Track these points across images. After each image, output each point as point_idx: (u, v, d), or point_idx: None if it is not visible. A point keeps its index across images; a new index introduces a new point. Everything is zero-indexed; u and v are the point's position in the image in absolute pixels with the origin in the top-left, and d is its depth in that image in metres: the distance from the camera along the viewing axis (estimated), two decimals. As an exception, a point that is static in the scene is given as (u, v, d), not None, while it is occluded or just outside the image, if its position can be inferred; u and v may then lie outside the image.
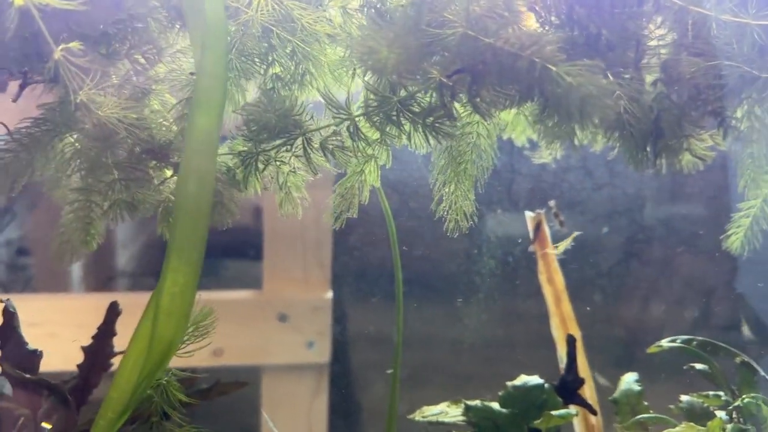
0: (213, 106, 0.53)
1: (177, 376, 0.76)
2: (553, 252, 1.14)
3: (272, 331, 1.85)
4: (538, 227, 1.16)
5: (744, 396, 0.83)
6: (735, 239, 0.89)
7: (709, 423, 0.75)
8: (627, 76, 0.75)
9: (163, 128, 0.74)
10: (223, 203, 0.72)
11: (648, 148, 0.83)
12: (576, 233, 1.08)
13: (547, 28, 0.74)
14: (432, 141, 0.66)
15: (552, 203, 1.18)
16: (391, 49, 0.58)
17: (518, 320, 1.44)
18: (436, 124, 0.64)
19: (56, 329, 1.73)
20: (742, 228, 0.88)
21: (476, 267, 1.38)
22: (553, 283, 1.13)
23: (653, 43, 0.83)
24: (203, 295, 2.02)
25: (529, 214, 1.16)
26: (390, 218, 1.06)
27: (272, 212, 1.93)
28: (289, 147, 0.73)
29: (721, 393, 0.90)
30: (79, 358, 0.98)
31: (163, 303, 0.53)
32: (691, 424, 0.81)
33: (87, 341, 0.94)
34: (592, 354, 1.12)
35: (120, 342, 0.92)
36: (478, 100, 0.62)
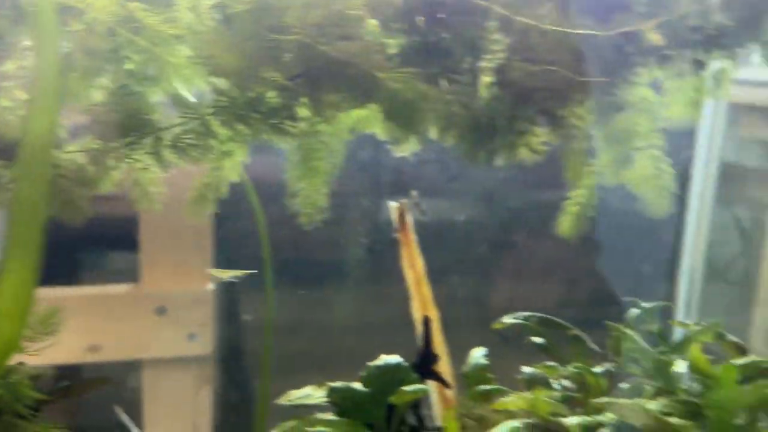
0: (47, 106, 0.54)
1: (30, 375, 0.76)
2: (414, 239, 1.20)
3: (151, 324, 1.82)
4: (401, 216, 1.22)
5: (569, 366, 0.93)
6: (566, 224, 0.99)
7: (536, 392, 0.84)
8: (464, 79, 0.82)
9: (11, 126, 0.74)
10: (73, 201, 0.72)
11: (485, 145, 0.91)
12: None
13: (389, 35, 0.80)
14: (276, 140, 0.70)
15: (414, 193, 1.24)
16: (230, 53, 0.61)
17: (385, 304, 1.51)
18: (280, 125, 0.68)
19: None
20: (571, 214, 0.98)
21: (346, 255, 1.44)
22: (414, 268, 1.20)
23: (493, 47, 0.91)
24: (78, 291, 1.96)
25: (392, 204, 1.22)
26: (258, 210, 1.10)
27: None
28: (139, 145, 0.74)
29: (556, 364, 1.01)
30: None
31: (1, 305, 0.54)
32: (521, 393, 0.90)
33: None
34: (452, 332, 1.20)
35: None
36: (318, 103, 0.66)
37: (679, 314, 1.66)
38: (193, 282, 1.87)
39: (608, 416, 0.78)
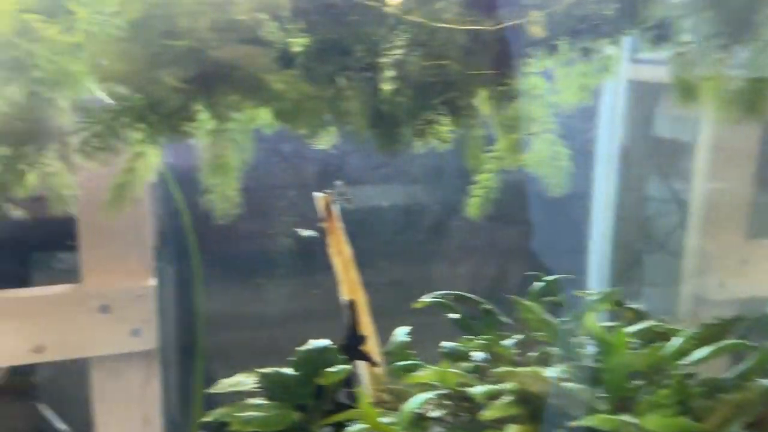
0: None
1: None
2: (340, 227, 1.25)
3: (95, 322, 1.83)
4: (327, 206, 1.27)
5: (480, 337, 0.99)
6: (473, 206, 1.05)
7: (443, 364, 0.90)
8: (362, 76, 0.87)
9: None
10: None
11: (392, 136, 0.96)
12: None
13: (289, 35, 0.84)
14: (178, 139, 0.73)
15: (338, 183, 1.29)
16: (121, 60, 0.64)
17: (315, 291, 1.56)
18: (178, 125, 0.71)
19: None
20: (477, 197, 1.04)
21: (274, 245, 1.48)
22: (341, 255, 1.25)
23: (398, 42, 0.95)
24: (21, 292, 1.96)
25: (317, 195, 1.26)
26: (182, 206, 1.12)
27: (87, 203, 1.89)
28: (47, 150, 0.77)
29: (473, 337, 1.07)
30: None
31: None
32: (434, 366, 0.95)
33: None
34: (381, 315, 1.25)
35: None
36: (213, 104, 0.70)
37: (593, 285, 1.75)
38: (135, 278, 1.89)
39: (510, 385, 0.84)
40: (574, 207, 1.68)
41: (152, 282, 1.87)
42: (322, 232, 1.25)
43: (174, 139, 0.73)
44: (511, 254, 1.68)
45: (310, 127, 0.73)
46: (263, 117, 0.95)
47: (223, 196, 0.88)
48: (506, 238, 1.62)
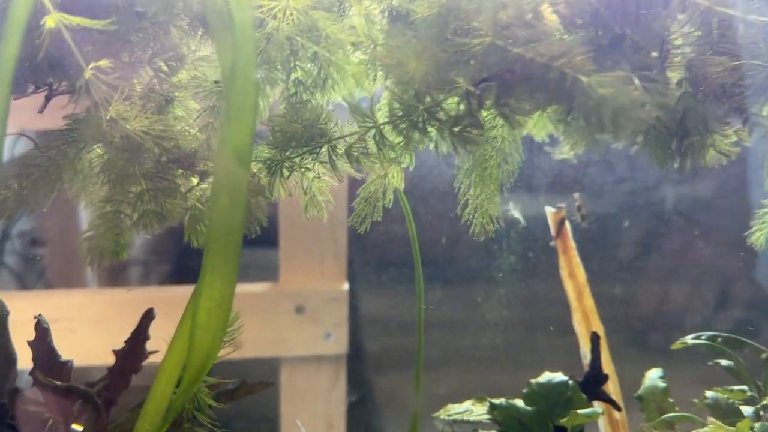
0: (245, 119, 0.53)
1: (206, 382, 0.76)
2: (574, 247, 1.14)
3: (289, 323, 1.86)
4: (561, 222, 1.16)
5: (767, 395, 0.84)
6: (759, 234, 0.89)
7: (738, 424, 0.75)
8: (652, 77, 0.75)
9: (189, 136, 0.75)
10: (251, 211, 0.72)
11: (672, 147, 0.83)
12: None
13: (570, 30, 0.74)
14: (459, 149, 0.66)
15: (576, 196, 1.17)
16: (420, 60, 0.58)
17: (540, 317, 1.44)
18: (464, 133, 0.64)
19: (74, 325, 1.75)
20: (767, 224, 0.88)
21: (496, 262, 1.39)
22: (574, 278, 1.13)
23: (678, 41, 0.82)
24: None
25: (549, 210, 1.16)
26: (410, 217, 1.06)
27: (287, 205, 1.93)
28: (314, 154, 0.73)
29: (745, 387, 0.91)
30: (98, 352, 1.00)
31: (199, 318, 0.54)
32: (719, 423, 0.81)
33: (107, 338, 0.95)
34: (613, 347, 1.12)
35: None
36: (505, 108, 0.62)
37: None
38: (329, 281, 1.90)
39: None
40: None
41: (346, 287, 1.87)
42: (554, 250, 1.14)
43: (463, 149, 0.65)
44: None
45: (622, 137, 0.63)
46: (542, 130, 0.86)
47: (482, 211, 0.80)
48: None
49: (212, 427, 0.75)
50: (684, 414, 0.89)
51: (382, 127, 0.71)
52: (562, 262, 1.13)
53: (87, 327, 1.77)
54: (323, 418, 1.99)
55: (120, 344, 0.92)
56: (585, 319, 1.10)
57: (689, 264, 1.49)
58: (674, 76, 0.82)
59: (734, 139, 0.88)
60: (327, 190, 0.83)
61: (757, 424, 0.83)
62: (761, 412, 0.86)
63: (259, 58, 0.71)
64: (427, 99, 0.67)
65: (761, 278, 1.47)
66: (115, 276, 2.05)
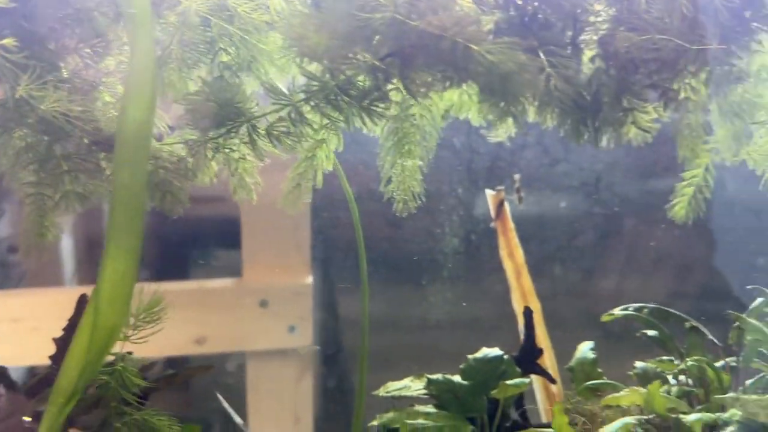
0: (143, 98, 0.55)
1: (135, 363, 0.78)
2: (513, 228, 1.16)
3: (254, 317, 1.87)
4: (500, 204, 1.18)
5: (688, 359, 0.86)
6: (679, 208, 0.92)
7: (649, 386, 0.78)
8: (565, 53, 0.77)
9: (111, 119, 0.76)
10: (172, 192, 0.74)
11: (588, 123, 0.85)
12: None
13: (485, 10, 0.77)
14: (369, 122, 0.68)
15: (516, 177, 1.19)
16: (320, 34, 0.60)
17: (483, 297, 1.47)
18: (371, 107, 0.66)
19: (38, 323, 1.75)
20: (685, 196, 0.91)
21: (439, 246, 1.41)
22: (513, 258, 1.16)
23: (593, 19, 0.85)
24: (185, 285, 2.04)
25: (489, 192, 1.18)
26: (352, 201, 1.08)
27: (248, 200, 1.94)
28: (235, 134, 0.75)
29: (672, 357, 0.94)
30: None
31: (103, 291, 0.55)
32: (635, 387, 0.84)
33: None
34: (554, 326, 1.15)
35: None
36: (410, 82, 0.64)
37: None
38: (293, 275, 1.91)
39: (733, 413, 0.72)
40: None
41: (310, 280, 1.88)
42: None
43: (364, 123, 0.67)
44: (704, 267, 1.50)
45: (516, 106, 0.65)
46: (445, 104, 0.88)
47: (404, 187, 0.82)
48: (701, 248, 1.45)
49: (139, 406, 0.77)
50: (606, 381, 0.92)
51: (299, 104, 0.73)
52: (502, 242, 1.16)
53: (49, 325, 1.77)
54: (290, 410, 2.00)
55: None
56: (523, 297, 1.13)
57: (622, 241, 1.52)
58: (590, 54, 0.84)
59: (654, 116, 0.90)
60: (255, 172, 0.85)
61: (674, 388, 0.86)
62: (680, 377, 0.89)
63: (177, 39, 0.72)
64: (341, 77, 0.69)
65: (718, 261, 1.51)
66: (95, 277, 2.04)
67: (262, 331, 1.89)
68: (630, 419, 0.76)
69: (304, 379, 1.94)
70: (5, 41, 0.63)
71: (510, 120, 0.83)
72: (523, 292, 1.14)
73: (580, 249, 1.50)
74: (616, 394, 0.82)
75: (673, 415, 0.76)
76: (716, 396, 0.73)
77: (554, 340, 1.13)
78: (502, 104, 0.63)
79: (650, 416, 0.79)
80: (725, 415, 0.73)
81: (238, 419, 0.93)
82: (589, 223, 1.49)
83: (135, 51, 0.56)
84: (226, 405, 0.93)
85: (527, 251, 1.15)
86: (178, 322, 1.87)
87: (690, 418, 0.72)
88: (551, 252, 1.48)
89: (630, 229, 1.51)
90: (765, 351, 0.83)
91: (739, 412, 0.71)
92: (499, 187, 1.17)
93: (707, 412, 0.76)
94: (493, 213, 1.17)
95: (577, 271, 1.52)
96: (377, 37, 0.62)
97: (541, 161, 1.40)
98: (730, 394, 0.70)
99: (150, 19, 0.58)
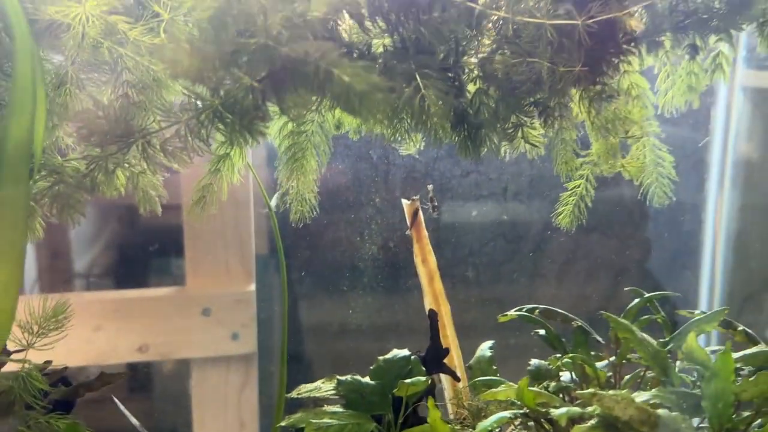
0: (23, 118, 0.59)
1: (42, 369, 0.81)
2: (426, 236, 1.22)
3: (197, 325, 1.90)
4: (415, 213, 1.24)
5: (565, 356, 0.92)
6: (564, 216, 0.98)
7: (520, 381, 0.84)
8: (442, 75, 0.83)
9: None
10: (71, 205, 0.78)
11: (475, 139, 0.91)
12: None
13: (369, 35, 0.83)
14: (250, 140, 0.73)
15: (430, 187, 1.25)
16: (192, 58, 0.65)
17: (401, 301, 1.52)
18: (252, 125, 0.71)
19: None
20: (569, 206, 0.97)
21: (359, 253, 1.46)
22: (426, 264, 1.21)
23: (474, 44, 0.91)
24: (128, 294, 2.06)
25: (405, 202, 1.24)
26: (271, 211, 1.13)
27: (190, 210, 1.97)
28: (128, 150, 0.79)
29: (561, 355, 1.00)
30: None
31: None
32: (510, 383, 0.89)
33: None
34: (466, 328, 1.20)
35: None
36: (281, 102, 0.69)
37: (702, 304, 1.60)
38: (236, 283, 1.94)
39: (594, 408, 0.78)
40: (683, 221, 1.56)
41: (253, 287, 1.92)
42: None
43: (252, 140, 0.72)
44: (609, 269, 1.57)
45: (379, 121, 0.71)
46: (349, 122, 0.94)
47: (300, 199, 0.88)
48: (605, 252, 1.52)
49: (44, 410, 0.80)
50: (492, 378, 0.97)
51: (189, 122, 0.77)
52: (416, 249, 1.22)
53: None
54: (235, 417, 2.03)
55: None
56: (435, 300, 1.18)
57: (529, 247, 1.59)
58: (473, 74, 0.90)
59: (541, 131, 0.97)
60: (160, 186, 0.89)
61: (552, 383, 0.92)
62: (565, 373, 0.95)
63: (76, 61, 0.77)
64: (223, 96, 0.74)
65: (623, 264, 1.58)
66: (57, 286, 2.05)
67: (205, 339, 1.92)
68: (506, 413, 0.82)
69: (249, 385, 1.97)
70: None
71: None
72: (435, 296, 1.19)
73: (490, 254, 1.56)
74: (494, 390, 0.88)
75: (543, 409, 0.81)
76: (579, 392, 0.79)
77: (463, 340, 1.19)
78: (371, 120, 0.69)
79: (527, 410, 0.84)
80: (589, 410, 0.79)
81: (134, 421, 0.97)
82: (498, 231, 1.56)
83: (15, 72, 0.60)
84: (122, 408, 0.96)
85: (440, 257, 1.21)
86: (121, 331, 1.90)
87: (557, 412, 0.78)
88: (463, 257, 1.54)
89: (535, 235, 1.59)
90: (637, 348, 0.90)
91: (600, 408, 0.77)
92: (414, 197, 1.23)
93: (576, 407, 0.82)
94: (408, 221, 1.23)
95: (487, 275, 1.59)
96: (252, 60, 0.67)
97: (453, 172, 1.46)
98: (589, 390, 0.76)
99: (29, 42, 0.62)
